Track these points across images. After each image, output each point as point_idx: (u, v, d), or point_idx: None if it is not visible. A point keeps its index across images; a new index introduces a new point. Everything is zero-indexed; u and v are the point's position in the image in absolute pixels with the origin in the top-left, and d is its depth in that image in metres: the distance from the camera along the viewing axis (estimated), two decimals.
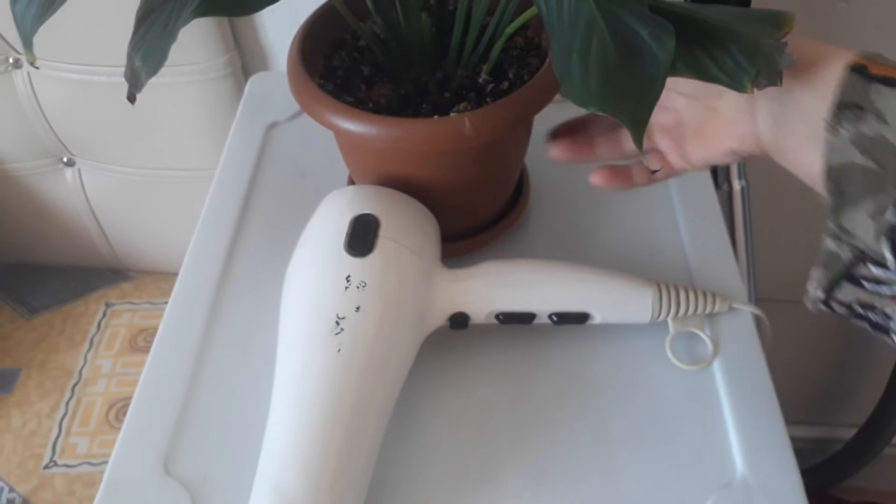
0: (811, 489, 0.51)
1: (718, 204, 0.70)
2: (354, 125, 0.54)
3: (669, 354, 0.58)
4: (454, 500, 0.53)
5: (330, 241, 0.54)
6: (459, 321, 0.57)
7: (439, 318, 0.56)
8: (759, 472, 0.52)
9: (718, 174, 0.85)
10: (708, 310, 0.59)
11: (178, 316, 0.63)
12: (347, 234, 0.53)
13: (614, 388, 0.58)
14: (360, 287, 0.51)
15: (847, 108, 0.42)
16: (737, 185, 0.87)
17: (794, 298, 1.17)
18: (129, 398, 0.58)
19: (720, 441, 0.54)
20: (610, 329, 0.60)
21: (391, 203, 0.56)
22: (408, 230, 0.55)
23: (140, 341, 1.04)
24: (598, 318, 0.57)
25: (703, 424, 0.55)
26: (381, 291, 0.52)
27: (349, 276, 0.51)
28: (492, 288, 0.56)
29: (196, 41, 0.88)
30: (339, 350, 0.50)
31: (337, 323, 0.50)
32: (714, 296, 0.59)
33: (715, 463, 0.53)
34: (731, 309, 0.60)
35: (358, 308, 0.51)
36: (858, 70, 0.42)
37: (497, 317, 0.57)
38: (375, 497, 0.52)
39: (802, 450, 0.60)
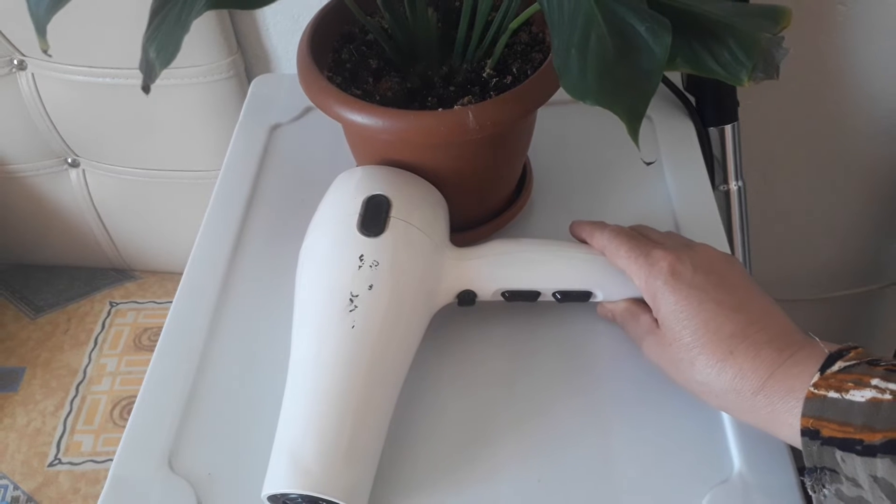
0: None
1: (715, 204, 0.70)
2: (361, 117, 0.55)
3: None
4: (458, 466, 0.54)
5: (343, 222, 0.55)
6: (467, 298, 0.58)
7: (448, 295, 0.57)
8: (756, 469, 0.52)
9: (716, 175, 0.86)
10: None
11: (182, 315, 0.63)
12: (360, 214, 0.55)
13: (614, 367, 0.59)
14: (373, 266, 0.53)
15: (821, 470, 0.44)
16: (733, 185, 0.87)
17: (789, 297, 1.18)
18: (134, 396, 0.58)
19: (717, 438, 0.55)
20: None
21: (401, 184, 0.58)
22: (418, 210, 0.56)
23: (144, 340, 1.04)
24: (600, 296, 0.58)
25: (700, 416, 0.55)
26: (393, 270, 0.53)
27: (362, 256, 0.53)
28: (498, 267, 0.57)
29: (200, 43, 0.89)
30: (353, 326, 0.51)
31: (351, 300, 0.52)
32: None
33: (712, 460, 0.53)
34: None
35: (371, 286, 0.52)
36: (811, 435, 0.44)
37: (503, 294, 0.58)
38: (386, 463, 0.53)
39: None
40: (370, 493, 0.50)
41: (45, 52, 0.45)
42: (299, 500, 0.48)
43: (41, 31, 0.45)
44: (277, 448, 0.50)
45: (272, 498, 0.49)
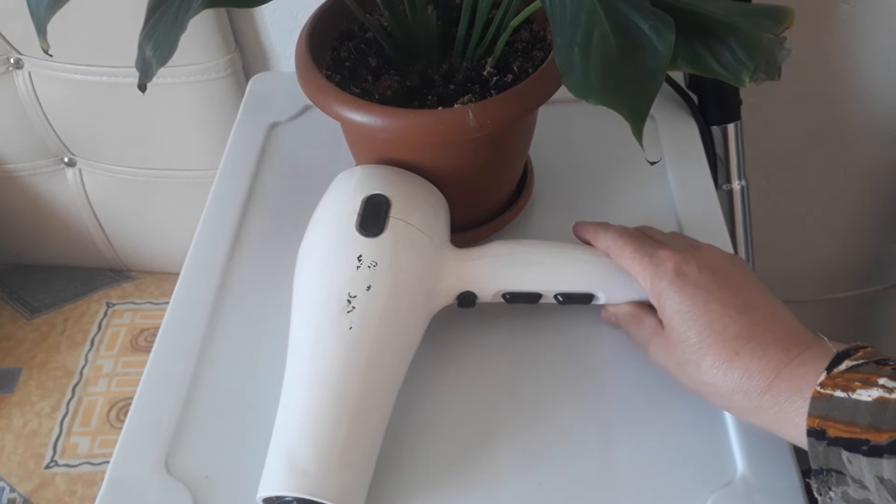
0: (811, 489, 0.51)
1: (718, 203, 0.70)
2: (360, 116, 0.54)
3: None
4: (458, 470, 0.54)
5: (342, 222, 0.55)
6: (467, 300, 0.58)
7: (447, 296, 0.57)
8: (760, 472, 0.52)
9: (718, 174, 0.85)
10: None
11: (179, 316, 0.63)
12: (359, 214, 0.55)
13: (616, 370, 0.58)
14: (372, 267, 0.52)
15: (827, 472, 0.43)
16: (736, 185, 0.87)
17: (792, 298, 1.18)
18: (130, 398, 0.58)
19: (720, 440, 0.54)
20: None
21: (401, 183, 0.57)
22: (418, 211, 0.56)
23: (141, 341, 1.04)
24: (602, 298, 0.58)
25: (703, 419, 0.55)
26: (392, 271, 0.53)
27: (361, 256, 0.53)
28: (499, 268, 0.57)
29: (197, 41, 0.88)
30: (351, 328, 0.51)
31: (348, 301, 0.51)
32: None
33: (715, 462, 0.53)
34: None
35: (369, 287, 0.52)
36: (817, 435, 0.43)
37: (504, 296, 0.58)
38: (385, 466, 0.52)
39: (803, 449, 0.60)
40: (366, 496, 0.50)
41: (45, 51, 0.45)
42: (294, 502, 0.48)
43: (41, 30, 0.45)
44: (273, 450, 0.49)
45: (267, 500, 0.49)
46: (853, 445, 0.42)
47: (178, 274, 0.66)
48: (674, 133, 0.77)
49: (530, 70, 0.60)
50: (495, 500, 0.52)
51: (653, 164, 0.71)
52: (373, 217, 0.54)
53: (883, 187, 1.05)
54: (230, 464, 0.54)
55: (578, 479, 0.53)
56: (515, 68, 0.60)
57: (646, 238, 0.56)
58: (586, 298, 0.58)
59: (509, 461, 0.54)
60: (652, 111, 0.72)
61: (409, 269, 0.54)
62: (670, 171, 0.72)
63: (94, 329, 1.05)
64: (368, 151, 0.61)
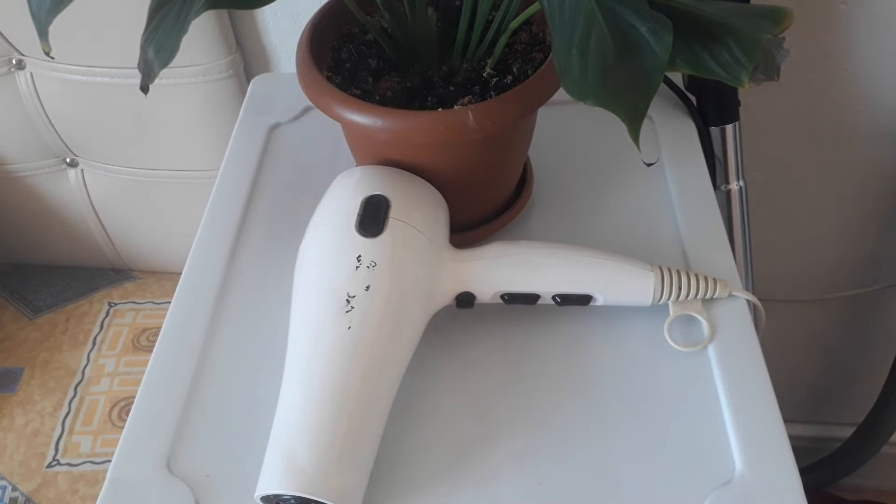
0: (810, 487, 0.51)
1: (717, 204, 0.70)
2: (360, 117, 0.55)
3: (667, 337, 0.59)
4: (456, 469, 0.54)
5: (341, 222, 0.55)
6: (465, 300, 0.58)
7: (446, 297, 0.57)
8: (758, 471, 0.52)
9: (717, 175, 0.86)
10: (709, 294, 0.60)
11: (180, 315, 0.63)
12: (359, 214, 0.55)
13: (614, 371, 0.58)
14: (371, 267, 0.52)
15: None
16: (735, 186, 0.87)
17: (791, 298, 1.18)
18: (132, 397, 0.58)
19: (719, 439, 0.54)
20: (612, 311, 0.60)
21: (401, 184, 0.57)
22: (417, 211, 0.56)
23: (143, 341, 1.04)
24: (600, 300, 0.58)
25: (701, 418, 0.55)
26: (391, 271, 0.53)
27: (360, 256, 0.53)
28: (498, 269, 0.57)
29: (199, 43, 0.89)
30: (350, 327, 0.51)
31: (347, 301, 0.52)
32: (715, 280, 0.60)
33: (713, 461, 0.53)
34: (731, 296, 0.61)
35: (368, 287, 0.52)
36: None
37: (502, 297, 0.58)
38: (383, 466, 0.53)
39: (801, 448, 0.60)
40: (364, 495, 0.50)
41: (47, 53, 0.45)
42: (292, 500, 0.48)
43: (43, 33, 0.45)
44: (271, 448, 0.50)
45: (265, 498, 0.49)
46: None
47: (179, 274, 0.66)
48: (672, 134, 0.77)
49: (530, 71, 0.60)
50: (495, 499, 0.52)
51: (649, 165, 0.72)
52: (372, 217, 0.54)
53: (882, 187, 1.05)
54: (232, 463, 0.54)
55: (577, 477, 0.53)
56: (515, 70, 0.61)
57: None
58: (584, 300, 0.58)
59: (508, 460, 0.54)
60: (650, 112, 0.73)
61: (409, 269, 0.54)
62: (669, 172, 0.72)
63: (96, 328, 1.06)
64: (368, 152, 0.61)
